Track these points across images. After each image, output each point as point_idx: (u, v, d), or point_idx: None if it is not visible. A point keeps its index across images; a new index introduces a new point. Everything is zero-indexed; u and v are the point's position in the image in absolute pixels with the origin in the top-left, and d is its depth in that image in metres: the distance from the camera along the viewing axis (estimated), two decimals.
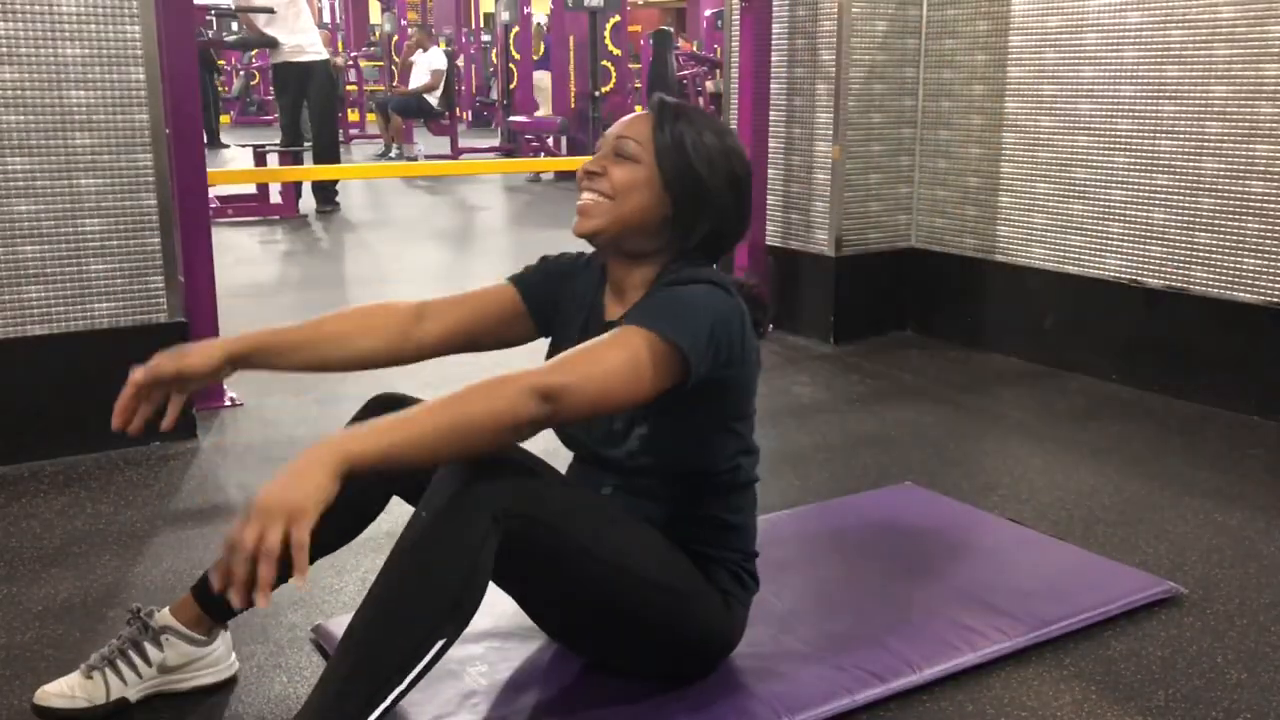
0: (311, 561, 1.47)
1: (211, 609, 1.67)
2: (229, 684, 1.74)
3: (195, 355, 1.56)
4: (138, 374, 1.53)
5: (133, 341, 2.85)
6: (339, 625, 1.87)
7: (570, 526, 1.50)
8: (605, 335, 1.48)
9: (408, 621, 1.37)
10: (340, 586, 2.09)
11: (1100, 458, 2.85)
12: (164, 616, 1.68)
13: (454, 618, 1.39)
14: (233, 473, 2.72)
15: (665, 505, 1.65)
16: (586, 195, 1.60)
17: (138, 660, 1.65)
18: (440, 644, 1.38)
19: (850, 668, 1.74)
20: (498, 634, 1.83)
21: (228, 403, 3.23)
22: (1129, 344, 3.49)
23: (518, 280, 1.76)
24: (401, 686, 1.36)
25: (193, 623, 1.68)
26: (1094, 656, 1.85)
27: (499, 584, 1.57)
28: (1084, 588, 2.05)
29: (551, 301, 1.75)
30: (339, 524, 1.63)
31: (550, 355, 1.70)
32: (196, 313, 3.06)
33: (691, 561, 1.64)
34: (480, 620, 1.83)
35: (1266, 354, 3.13)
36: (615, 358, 1.44)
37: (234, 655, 1.76)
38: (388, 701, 1.36)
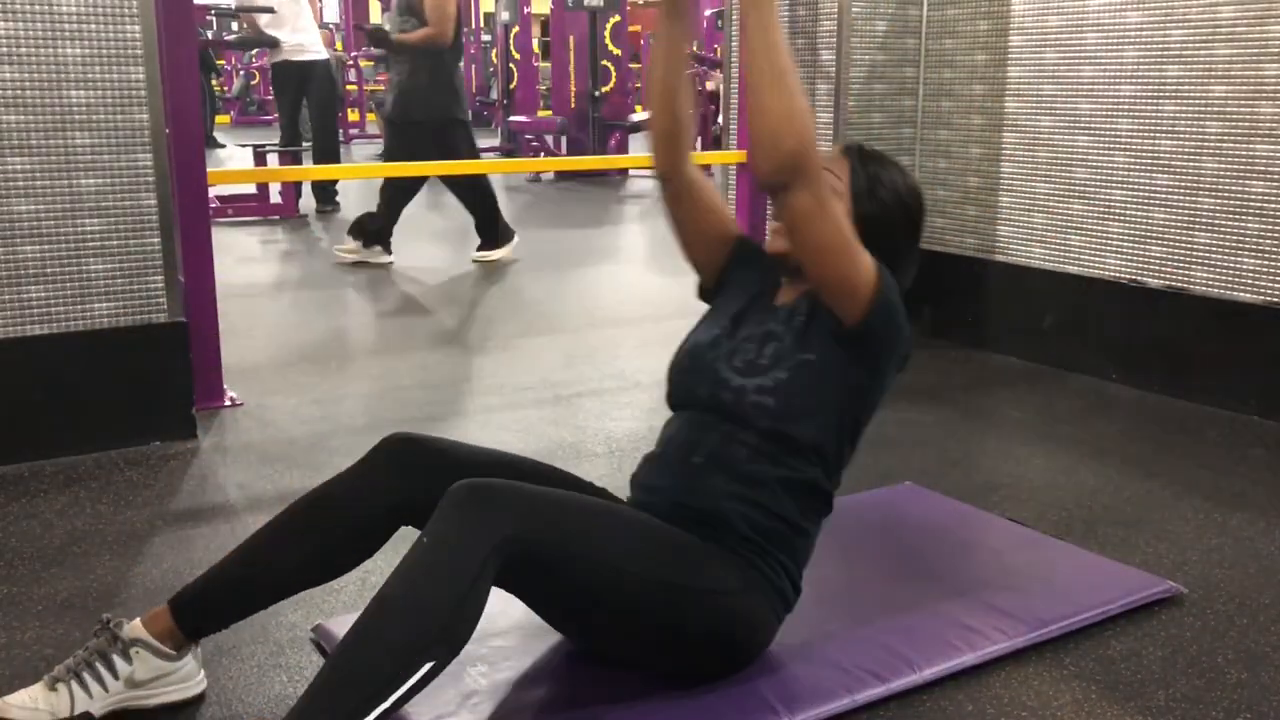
0: (322, 583, 1.67)
1: (185, 624, 1.64)
2: (197, 700, 1.69)
3: None
4: None
5: (133, 341, 2.85)
6: (339, 625, 1.87)
7: (575, 544, 1.51)
8: None
9: (394, 641, 1.37)
10: (340, 586, 2.09)
11: (1100, 458, 2.84)
12: (134, 628, 1.64)
13: (443, 640, 1.40)
14: (233, 473, 2.72)
15: (744, 481, 1.67)
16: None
17: (105, 673, 1.60)
18: (428, 666, 1.39)
19: (850, 668, 1.74)
20: (498, 634, 1.83)
21: (228, 403, 3.23)
22: (1129, 344, 3.49)
23: (741, 240, 1.93)
24: (386, 705, 1.36)
25: (164, 636, 1.64)
26: (1094, 656, 1.85)
27: (515, 595, 1.59)
28: (1084, 588, 2.05)
29: (733, 271, 1.90)
30: (353, 547, 1.66)
31: (698, 326, 1.88)
32: (196, 313, 3.06)
33: (736, 555, 1.65)
34: (480, 620, 1.84)
35: (1266, 354, 3.14)
36: (837, 207, 1.65)
37: (203, 673, 1.71)
38: (375, 713, 1.35)
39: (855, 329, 1.66)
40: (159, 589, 2.08)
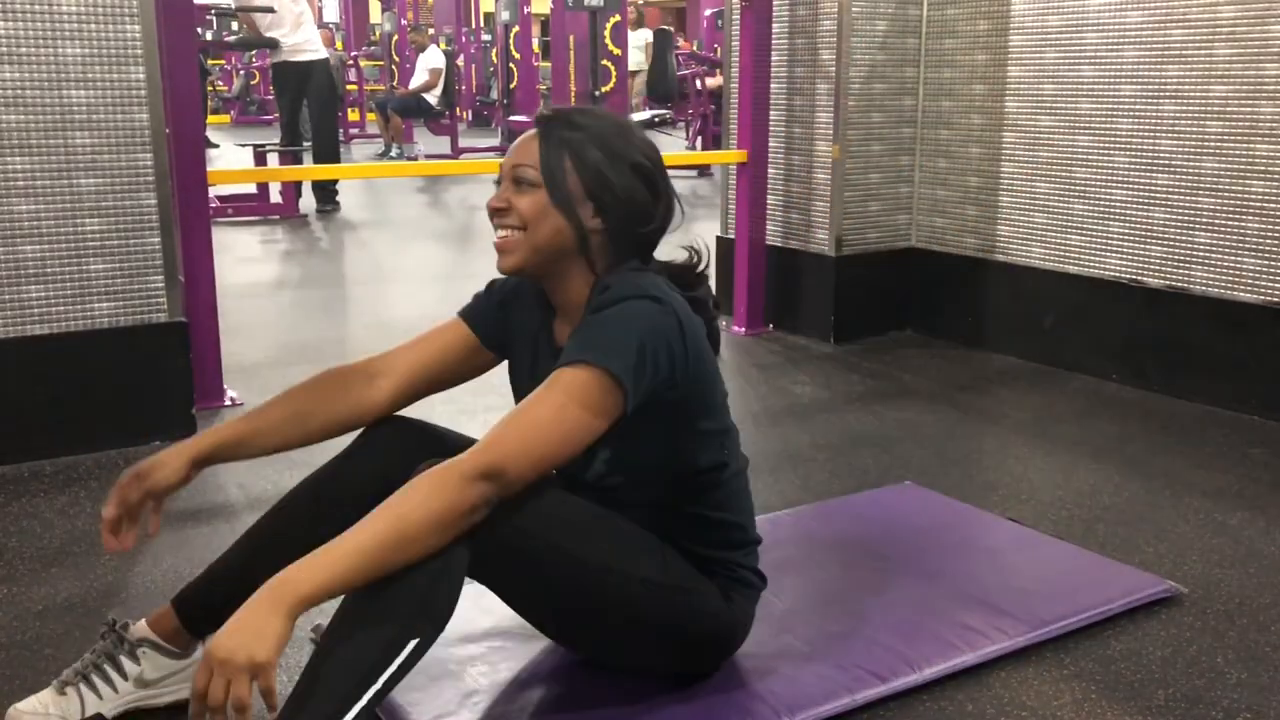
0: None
1: (191, 623, 1.64)
2: None
3: (159, 470, 1.56)
4: (108, 510, 1.54)
5: (133, 341, 2.85)
6: None
7: (554, 538, 1.49)
8: (535, 391, 1.47)
9: (376, 623, 1.37)
10: None
11: (1100, 458, 2.84)
12: (141, 629, 1.64)
13: (425, 615, 1.39)
14: (233, 473, 2.71)
15: (644, 511, 1.63)
16: (500, 233, 1.58)
17: (114, 674, 1.61)
18: (414, 643, 1.38)
19: (850, 668, 1.74)
20: (498, 634, 1.83)
21: (228, 402, 3.23)
22: (1129, 344, 3.49)
23: (466, 314, 1.76)
24: (377, 686, 1.35)
25: (170, 635, 1.64)
26: (1094, 656, 1.85)
27: (490, 587, 1.57)
28: (1084, 588, 2.05)
29: (503, 328, 1.74)
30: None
31: (510, 380, 1.73)
32: (196, 313, 3.06)
33: (685, 559, 1.64)
34: (480, 620, 1.85)
35: (1266, 354, 3.14)
36: (548, 414, 1.43)
37: None
38: (365, 699, 1.35)
39: (626, 418, 1.49)
40: (159, 589, 2.08)
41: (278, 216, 7.55)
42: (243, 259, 6.01)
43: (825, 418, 3.20)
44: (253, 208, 7.60)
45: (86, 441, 2.81)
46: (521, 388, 1.71)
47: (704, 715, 1.63)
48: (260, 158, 7.97)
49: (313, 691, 1.35)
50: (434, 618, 1.40)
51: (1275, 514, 2.47)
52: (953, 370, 3.73)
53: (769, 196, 4.20)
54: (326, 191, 7.94)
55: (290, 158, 7.59)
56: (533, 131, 1.60)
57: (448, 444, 1.65)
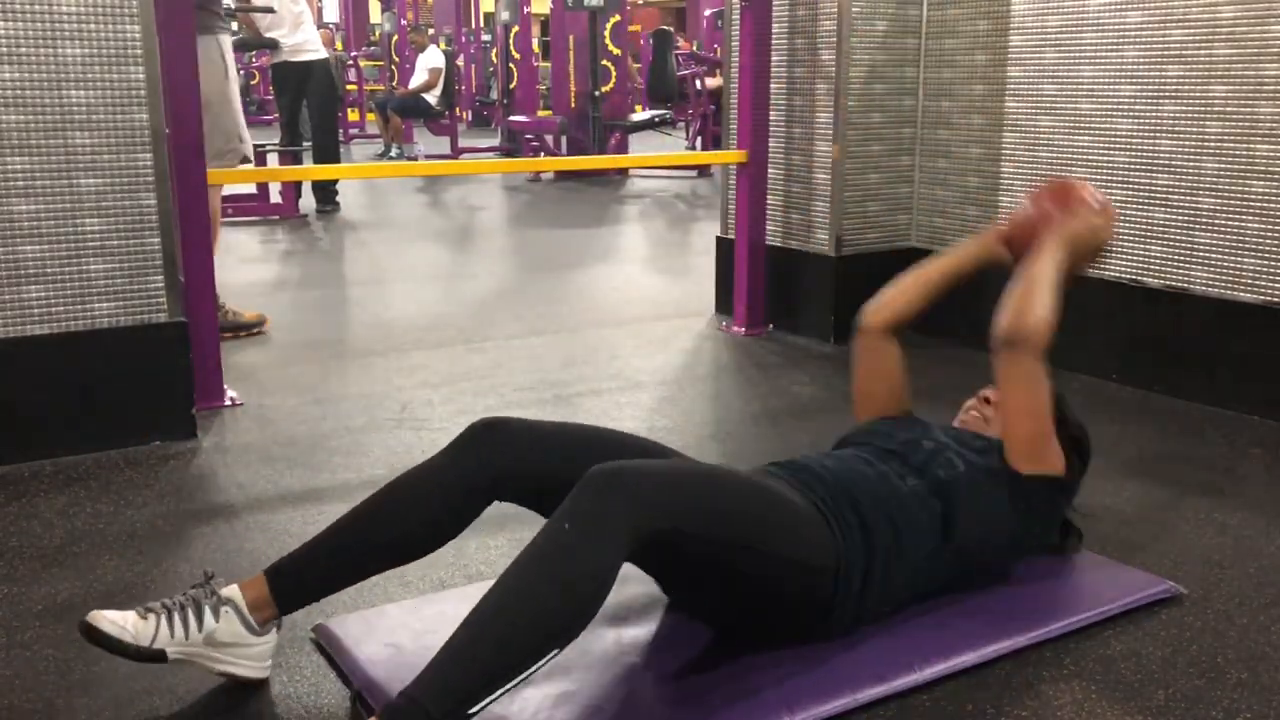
0: (405, 563, 1.79)
1: (279, 594, 1.68)
2: (248, 687, 1.72)
3: None
4: None
5: (133, 341, 2.85)
6: (339, 625, 1.88)
7: (707, 527, 1.58)
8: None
9: (529, 626, 1.41)
10: None
11: (1100, 458, 2.83)
12: (231, 590, 1.68)
13: (571, 629, 1.44)
14: (233, 472, 2.72)
15: (917, 521, 1.84)
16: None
17: (193, 621, 1.63)
18: (555, 651, 1.43)
19: (850, 668, 1.74)
20: None
21: (228, 402, 3.23)
22: (1129, 344, 3.49)
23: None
24: (509, 685, 1.40)
25: (256, 604, 1.67)
26: (1094, 656, 1.85)
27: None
28: (1084, 588, 2.05)
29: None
30: (437, 529, 1.74)
31: None
32: (196, 313, 3.06)
33: (835, 542, 1.73)
34: None
35: (1266, 354, 3.14)
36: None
37: (270, 661, 1.73)
38: (493, 696, 1.39)
39: (1021, 478, 1.93)
40: (159, 589, 2.08)
41: (278, 217, 7.56)
42: (243, 259, 6.01)
43: (825, 418, 3.20)
44: (253, 208, 7.60)
45: (86, 441, 2.81)
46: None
47: (704, 714, 1.63)
48: (260, 158, 7.97)
49: (448, 681, 1.38)
50: (581, 628, 1.45)
51: (1275, 514, 2.47)
52: (952, 371, 3.73)
53: (769, 196, 4.20)
54: (326, 192, 7.95)
55: (290, 158, 7.59)
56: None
57: (550, 443, 1.75)
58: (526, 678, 1.42)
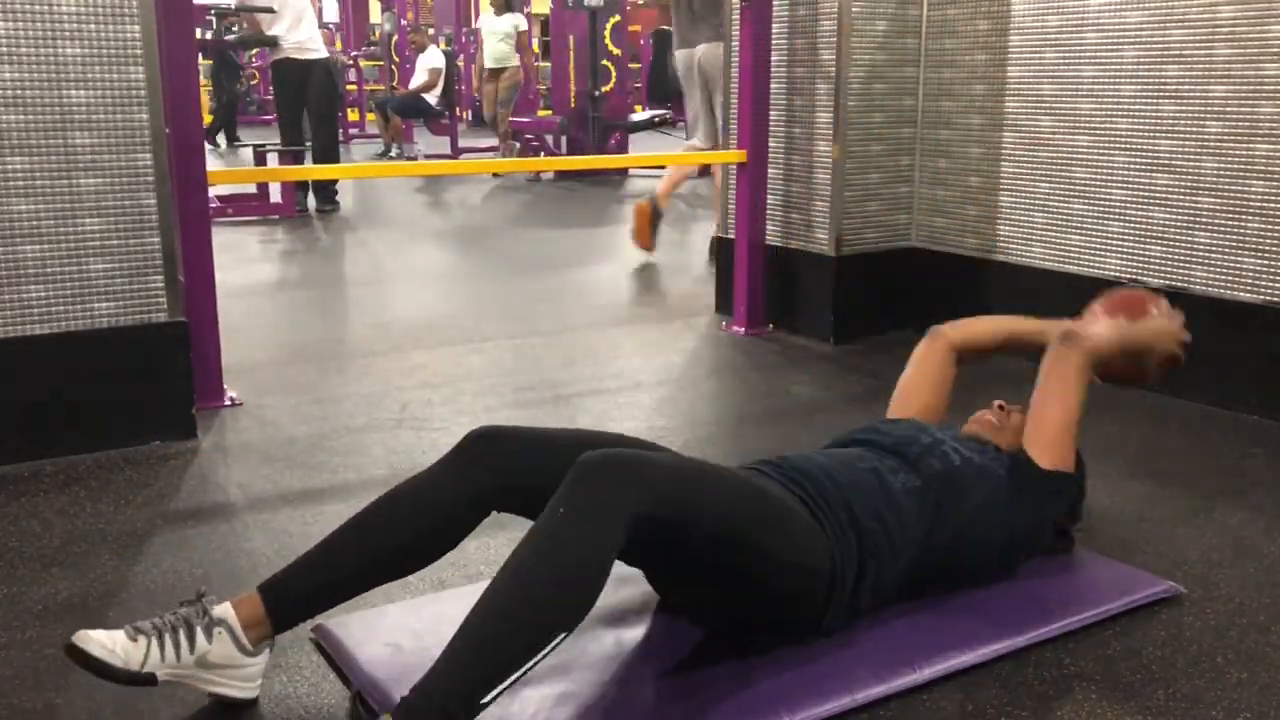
0: (404, 576, 1.77)
1: (275, 610, 1.64)
2: (239, 706, 1.68)
3: None
4: None
5: (133, 341, 2.85)
6: (339, 626, 1.87)
7: (699, 513, 1.58)
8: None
9: (532, 615, 1.42)
10: None
11: (1100, 458, 2.84)
12: (224, 609, 1.64)
13: (579, 613, 1.45)
14: (233, 472, 2.72)
15: (908, 515, 1.86)
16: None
17: (184, 643, 1.60)
18: (561, 637, 1.43)
19: (850, 668, 1.74)
20: None
21: (228, 402, 3.23)
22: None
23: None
24: (516, 675, 1.41)
25: (250, 623, 1.63)
26: (1094, 656, 1.85)
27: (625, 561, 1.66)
28: (1084, 587, 2.05)
29: None
30: (436, 540, 1.73)
31: None
32: (196, 313, 3.06)
33: (829, 544, 1.75)
34: None
35: (1266, 354, 3.13)
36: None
37: (260, 681, 1.69)
38: (504, 684, 1.40)
39: (1037, 470, 1.96)
40: (159, 589, 2.08)
41: (278, 216, 7.56)
42: (243, 259, 6.01)
43: (825, 418, 3.20)
44: (253, 208, 7.60)
45: (86, 441, 2.81)
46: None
47: (704, 714, 1.63)
48: (260, 157, 7.98)
49: (455, 675, 1.39)
50: (583, 614, 1.46)
51: (1275, 514, 2.47)
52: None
53: (769, 196, 4.20)
54: (327, 191, 7.95)
55: (290, 158, 7.59)
56: None
57: (547, 451, 1.73)
58: (535, 664, 1.42)
